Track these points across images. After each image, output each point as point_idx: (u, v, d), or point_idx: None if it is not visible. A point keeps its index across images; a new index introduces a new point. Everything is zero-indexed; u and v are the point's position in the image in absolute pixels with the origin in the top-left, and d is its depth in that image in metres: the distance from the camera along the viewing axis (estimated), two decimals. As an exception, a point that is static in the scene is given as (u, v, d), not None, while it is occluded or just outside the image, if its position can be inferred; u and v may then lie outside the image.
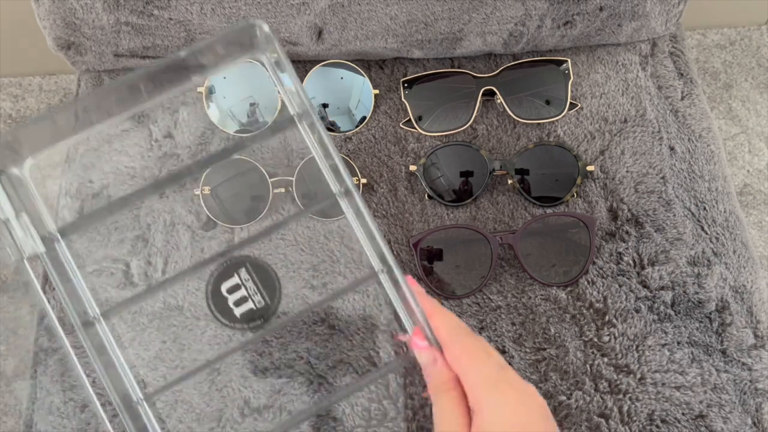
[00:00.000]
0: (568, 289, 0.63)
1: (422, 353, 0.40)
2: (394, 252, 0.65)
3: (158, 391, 0.45)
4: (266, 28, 0.41)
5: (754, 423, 0.59)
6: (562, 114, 0.70)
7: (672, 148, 0.70)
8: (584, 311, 0.62)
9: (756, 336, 0.62)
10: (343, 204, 0.45)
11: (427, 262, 0.64)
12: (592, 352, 0.61)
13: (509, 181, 0.67)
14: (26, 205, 0.44)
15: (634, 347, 0.61)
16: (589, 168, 0.67)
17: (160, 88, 0.44)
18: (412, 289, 0.41)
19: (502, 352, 0.61)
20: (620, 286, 0.63)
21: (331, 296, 0.53)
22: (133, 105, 0.45)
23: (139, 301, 0.49)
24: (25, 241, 0.44)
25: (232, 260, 0.49)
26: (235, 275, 0.49)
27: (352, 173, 0.67)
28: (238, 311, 0.48)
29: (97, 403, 0.42)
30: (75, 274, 0.45)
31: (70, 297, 0.44)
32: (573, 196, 0.67)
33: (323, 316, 0.62)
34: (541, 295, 0.63)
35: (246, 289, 0.49)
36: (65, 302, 0.44)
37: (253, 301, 0.49)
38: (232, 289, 0.49)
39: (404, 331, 0.43)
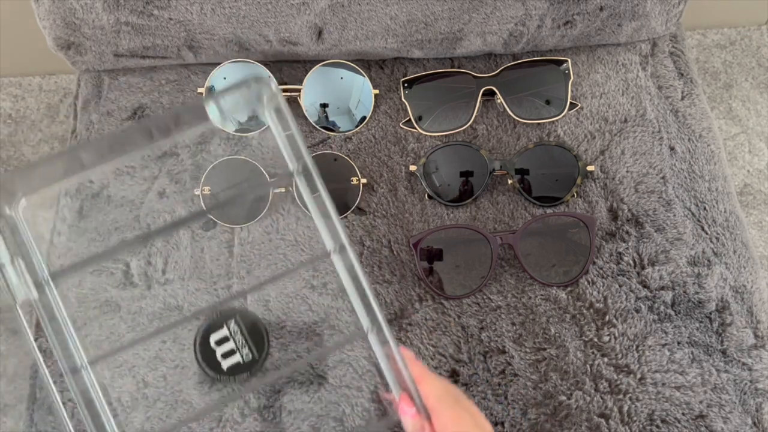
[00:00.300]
0: (569, 289, 0.63)
1: (409, 420, 0.38)
2: (394, 252, 0.65)
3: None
4: (273, 86, 0.42)
5: (754, 423, 0.58)
6: (562, 114, 0.70)
7: (672, 148, 0.70)
8: (584, 311, 0.62)
9: (756, 336, 0.62)
10: (336, 260, 0.43)
11: (427, 262, 0.64)
12: (593, 352, 0.61)
13: (509, 181, 0.67)
14: (20, 248, 0.44)
15: (634, 347, 0.61)
16: (590, 168, 0.67)
17: (166, 132, 0.46)
18: (402, 354, 0.40)
19: (503, 352, 0.61)
20: (620, 286, 0.63)
21: (322, 353, 0.52)
22: (143, 148, 0.46)
23: (127, 349, 0.48)
24: (19, 287, 0.44)
25: (223, 311, 0.49)
26: (225, 327, 0.49)
27: (352, 173, 0.67)
28: (225, 364, 0.48)
29: None
30: (65, 321, 0.45)
31: (60, 343, 0.44)
32: (573, 196, 0.67)
33: (323, 317, 0.62)
34: (541, 295, 0.63)
35: (234, 342, 0.49)
36: (54, 348, 0.44)
37: (240, 354, 0.49)
38: (221, 341, 0.49)
39: (389, 388, 0.42)
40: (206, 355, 0.48)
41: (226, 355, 0.49)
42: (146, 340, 0.50)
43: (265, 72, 0.70)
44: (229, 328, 0.49)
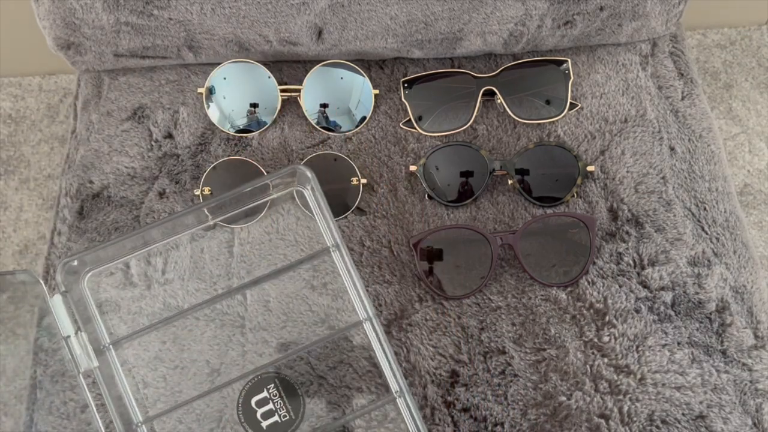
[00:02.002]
0: (569, 289, 0.63)
1: None
2: (394, 252, 0.65)
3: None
4: (308, 173, 0.53)
5: (755, 423, 0.58)
6: (563, 114, 0.70)
7: (672, 149, 0.70)
8: (584, 312, 0.62)
9: (756, 336, 0.62)
10: (368, 328, 0.54)
11: (427, 262, 0.64)
12: (593, 353, 0.60)
13: (509, 181, 0.67)
14: (83, 319, 0.52)
15: (634, 348, 0.61)
16: (590, 168, 0.67)
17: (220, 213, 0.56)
18: None
19: (503, 352, 0.61)
20: (620, 286, 0.63)
21: (352, 417, 0.58)
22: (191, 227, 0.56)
23: (182, 406, 0.57)
24: (82, 357, 0.51)
25: (263, 376, 0.55)
26: (265, 390, 0.55)
27: (352, 174, 0.67)
28: (265, 423, 0.54)
29: None
30: (123, 384, 0.53)
31: (116, 406, 0.51)
32: (573, 196, 0.67)
33: (323, 317, 0.62)
34: (542, 295, 0.63)
35: (273, 404, 0.55)
36: (111, 411, 0.51)
37: (278, 415, 0.54)
38: (261, 403, 0.55)
39: None
40: (247, 414, 0.55)
41: (266, 415, 0.54)
42: (202, 397, 0.58)
43: (265, 72, 0.70)
44: (268, 392, 0.55)
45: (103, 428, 0.52)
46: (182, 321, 0.62)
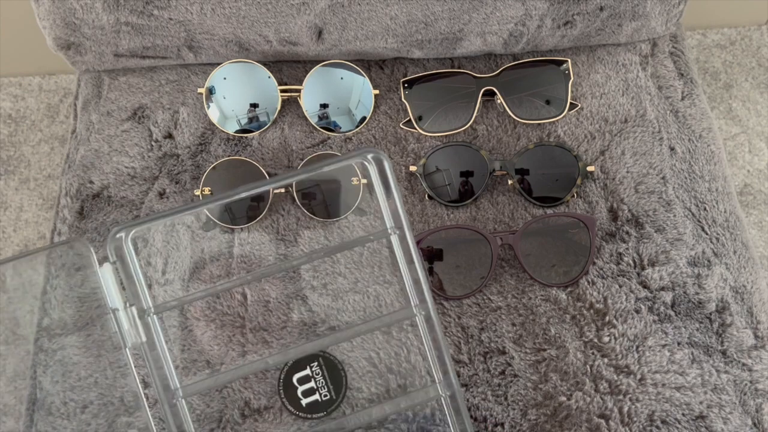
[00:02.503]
0: (569, 289, 0.63)
1: None
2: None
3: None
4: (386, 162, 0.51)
5: (755, 424, 0.58)
6: (562, 114, 0.70)
7: (672, 149, 0.70)
8: (584, 312, 0.62)
9: (756, 336, 0.62)
10: (419, 319, 0.52)
11: (427, 262, 0.64)
12: (593, 353, 0.61)
13: (509, 182, 0.67)
14: (131, 289, 0.51)
15: (634, 348, 0.61)
16: (590, 168, 0.67)
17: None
18: None
19: (503, 353, 0.61)
20: (620, 286, 0.63)
21: (394, 405, 0.56)
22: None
23: (221, 381, 0.56)
24: (129, 331, 0.50)
25: (309, 354, 0.54)
26: (308, 368, 0.54)
27: (353, 173, 0.67)
28: (305, 401, 0.54)
29: None
30: (164, 353, 0.51)
31: (160, 378, 0.50)
32: (573, 196, 0.67)
33: (323, 317, 0.62)
34: (542, 295, 0.63)
35: (315, 382, 0.54)
36: (155, 382, 0.50)
37: (319, 394, 0.54)
38: (303, 380, 0.54)
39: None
40: (288, 391, 0.54)
41: (307, 393, 0.54)
42: (245, 372, 0.57)
43: (265, 73, 0.70)
44: (311, 369, 0.54)
45: (146, 404, 0.52)
46: (182, 321, 0.62)
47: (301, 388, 0.53)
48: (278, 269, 0.60)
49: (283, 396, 0.53)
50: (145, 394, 0.54)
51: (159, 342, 0.51)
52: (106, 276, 0.50)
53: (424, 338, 0.53)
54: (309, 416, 0.53)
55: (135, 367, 0.52)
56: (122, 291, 0.50)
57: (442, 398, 0.53)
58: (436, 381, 0.53)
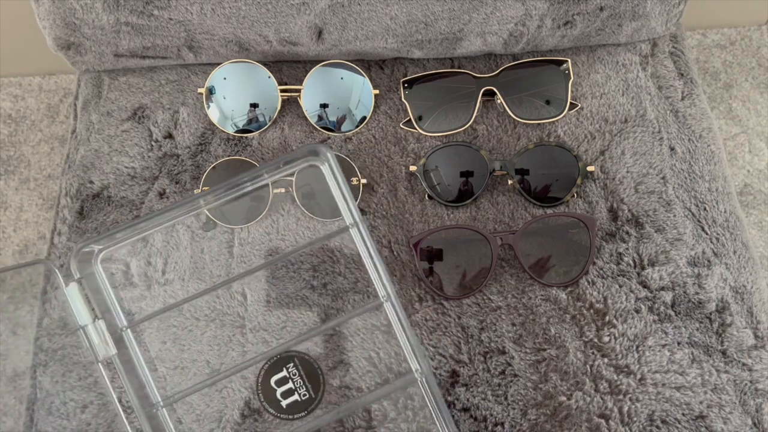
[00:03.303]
0: (569, 289, 0.63)
1: None
2: (394, 252, 0.65)
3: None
4: (328, 153, 0.53)
5: (755, 424, 0.58)
6: (562, 114, 0.70)
7: (672, 149, 0.70)
8: (584, 312, 0.62)
9: (756, 336, 0.62)
10: (388, 308, 0.54)
11: (427, 262, 0.64)
12: (593, 353, 0.61)
13: (509, 182, 0.67)
14: (99, 305, 0.51)
15: (634, 348, 0.61)
16: (590, 168, 0.67)
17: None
18: None
19: (503, 352, 0.61)
20: (620, 286, 0.63)
21: (373, 396, 0.58)
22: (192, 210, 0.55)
23: (201, 388, 0.57)
24: (100, 345, 0.51)
25: (282, 355, 0.54)
26: (284, 369, 0.54)
27: (352, 174, 0.67)
28: (284, 402, 0.54)
29: None
30: (141, 366, 0.52)
31: (135, 389, 0.51)
32: (573, 196, 0.67)
33: (323, 317, 0.62)
34: (542, 295, 0.63)
35: (293, 382, 0.54)
36: (131, 394, 0.51)
37: (298, 394, 0.54)
38: (281, 382, 0.54)
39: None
40: (267, 394, 0.54)
41: (286, 394, 0.54)
42: (226, 377, 0.59)
43: (265, 73, 0.70)
44: (288, 371, 0.54)
45: (123, 414, 0.52)
46: (182, 321, 0.62)
47: (279, 390, 0.54)
48: (240, 276, 0.62)
49: (262, 399, 0.53)
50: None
51: (135, 357, 0.52)
52: (73, 294, 0.51)
53: (395, 326, 0.54)
54: (290, 417, 0.54)
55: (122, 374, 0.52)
56: (89, 306, 0.51)
57: (418, 381, 0.54)
58: (412, 369, 0.54)
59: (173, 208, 0.53)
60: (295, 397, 0.53)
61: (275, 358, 0.54)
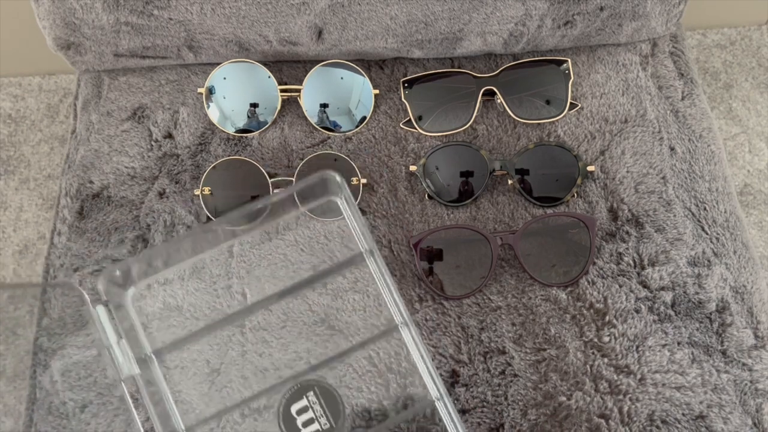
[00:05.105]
0: (569, 289, 0.63)
1: None
2: (394, 252, 0.65)
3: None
4: (338, 178, 0.52)
5: (755, 423, 0.58)
6: (563, 114, 0.70)
7: (672, 149, 0.70)
8: (584, 312, 0.62)
9: (756, 336, 0.62)
10: (405, 333, 0.55)
11: (427, 262, 0.64)
12: (593, 353, 0.60)
13: (509, 182, 0.67)
14: (126, 330, 0.52)
15: (635, 348, 0.61)
16: (590, 168, 0.67)
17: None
18: None
19: (503, 352, 0.61)
20: (620, 286, 0.63)
21: (391, 422, 0.58)
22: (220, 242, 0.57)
23: (225, 414, 0.58)
24: (124, 364, 0.51)
25: (303, 383, 0.54)
26: (304, 398, 0.54)
27: (352, 174, 0.67)
28: (305, 431, 0.53)
29: None
30: (165, 394, 0.53)
31: (159, 415, 0.51)
32: (573, 196, 0.67)
33: (323, 317, 0.62)
34: (542, 295, 0.63)
35: (313, 411, 0.54)
36: (154, 419, 0.51)
37: (319, 423, 0.53)
38: (301, 411, 0.54)
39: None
40: (288, 423, 0.54)
41: (306, 423, 0.54)
42: (248, 402, 0.59)
43: (265, 72, 0.70)
44: (308, 399, 0.54)
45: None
46: (182, 321, 0.62)
47: (299, 419, 0.54)
48: (259, 305, 0.63)
49: (283, 428, 0.53)
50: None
51: (160, 382, 0.53)
52: (101, 316, 0.52)
53: (411, 350, 0.54)
54: None
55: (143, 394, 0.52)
56: (115, 327, 0.52)
57: (436, 403, 0.54)
58: (428, 390, 0.54)
59: (201, 250, 0.55)
60: (316, 426, 0.53)
61: (295, 387, 0.53)
